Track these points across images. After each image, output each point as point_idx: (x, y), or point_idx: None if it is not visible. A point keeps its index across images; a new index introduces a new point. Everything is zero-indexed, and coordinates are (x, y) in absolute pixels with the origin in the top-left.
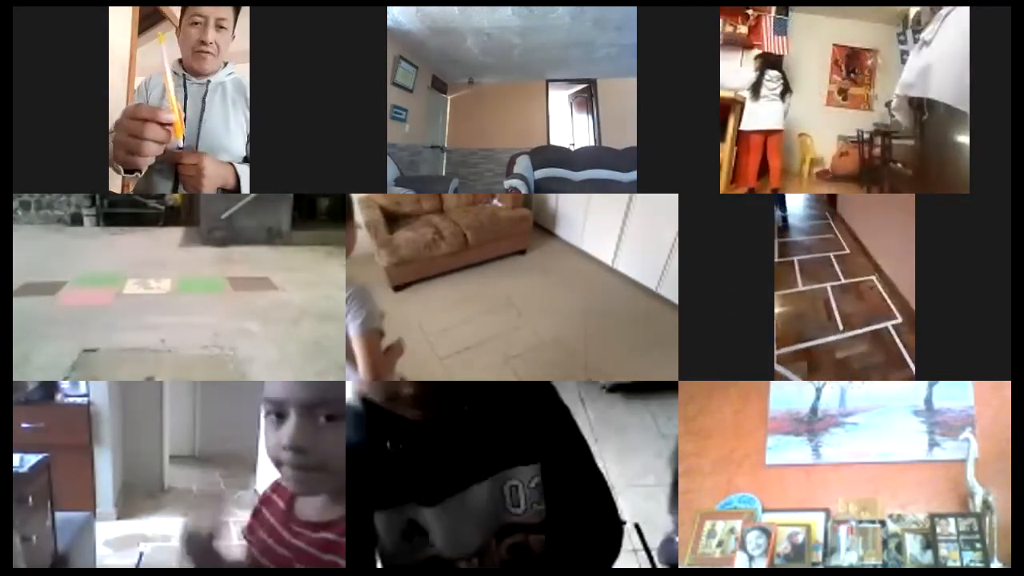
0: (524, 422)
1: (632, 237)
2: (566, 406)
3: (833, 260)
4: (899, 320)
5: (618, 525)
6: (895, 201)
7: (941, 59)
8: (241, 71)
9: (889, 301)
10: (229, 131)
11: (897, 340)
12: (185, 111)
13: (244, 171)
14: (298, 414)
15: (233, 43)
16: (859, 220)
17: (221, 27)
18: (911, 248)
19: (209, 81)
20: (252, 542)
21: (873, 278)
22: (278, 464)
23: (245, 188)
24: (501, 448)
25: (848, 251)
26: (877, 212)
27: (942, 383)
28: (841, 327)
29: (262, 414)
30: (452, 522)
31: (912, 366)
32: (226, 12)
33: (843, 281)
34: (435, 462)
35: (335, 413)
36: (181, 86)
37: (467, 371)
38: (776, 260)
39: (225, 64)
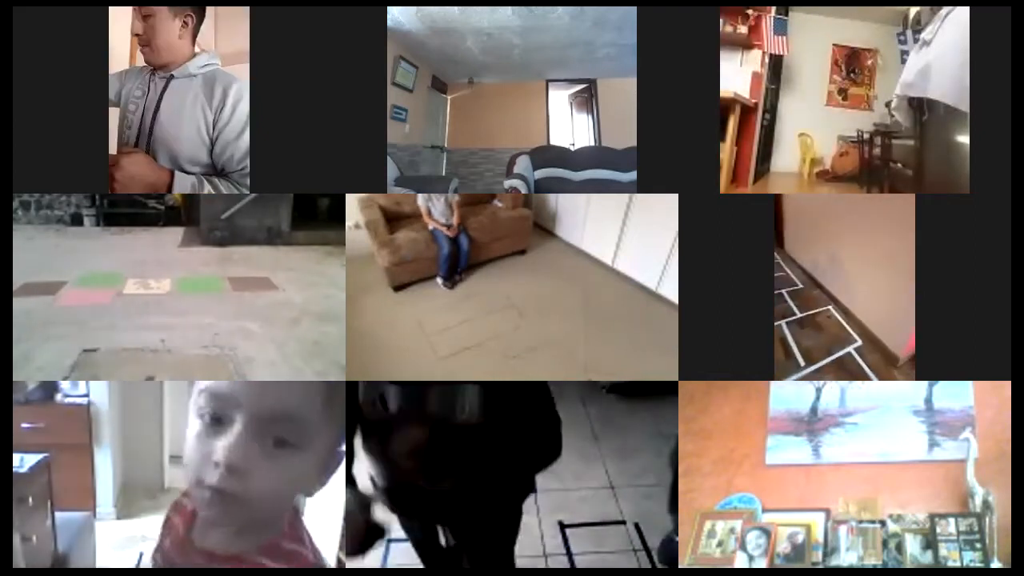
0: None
1: (632, 237)
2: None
3: (786, 296)
4: (859, 343)
5: (556, 422)
6: (840, 231)
7: (941, 59)
8: (241, 71)
9: (848, 327)
10: (178, 135)
11: (861, 362)
12: (143, 110)
13: (186, 181)
14: (245, 426)
15: (233, 43)
16: (806, 255)
17: (147, 16)
18: (863, 273)
19: (172, 76)
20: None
21: (829, 308)
22: (199, 481)
23: (176, 189)
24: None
25: (801, 286)
26: (822, 245)
27: (942, 383)
28: (803, 363)
29: (192, 411)
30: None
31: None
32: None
33: (799, 315)
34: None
35: (290, 439)
36: (147, 82)
37: (467, 371)
38: None
39: (197, 54)
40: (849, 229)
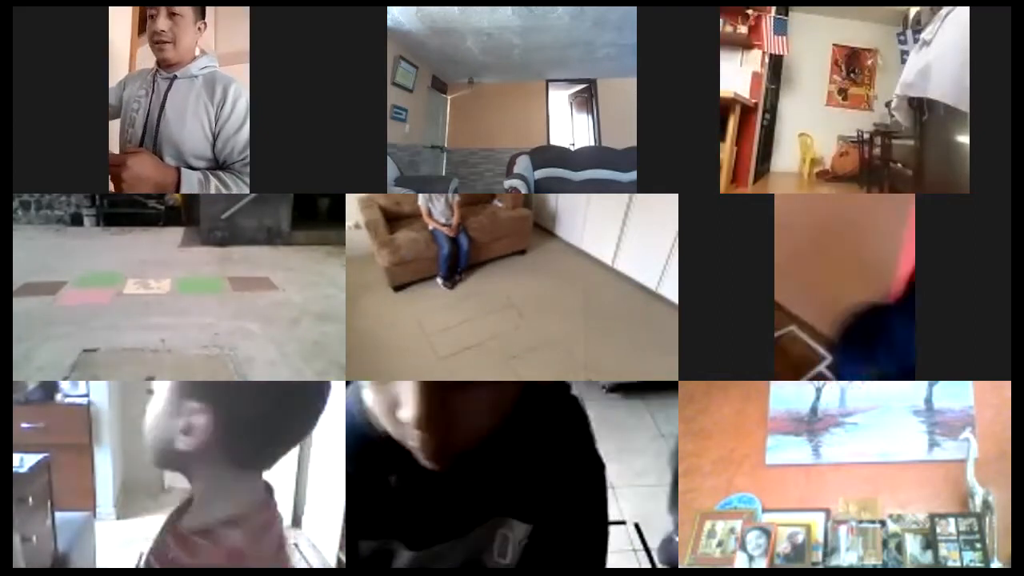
0: (543, 477)
1: (632, 237)
2: (601, 463)
3: None
4: (829, 359)
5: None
6: (799, 243)
7: (941, 59)
8: (240, 71)
9: (814, 344)
10: (183, 131)
11: (833, 378)
12: (149, 109)
13: (193, 177)
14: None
15: (233, 43)
16: None
17: (174, 14)
18: (821, 283)
19: (176, 76)
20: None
21: (792, 328)
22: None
23: (187, 189)
24: (505, 497)
25: None
26: (780, 262)
27: (942, 383)
28: None
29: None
30: (430, 563)
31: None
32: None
33: None
34: (434, 509)
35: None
36: (151, 82)
37: (467, 371)
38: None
39: (199, 56)
40: (804, 240)
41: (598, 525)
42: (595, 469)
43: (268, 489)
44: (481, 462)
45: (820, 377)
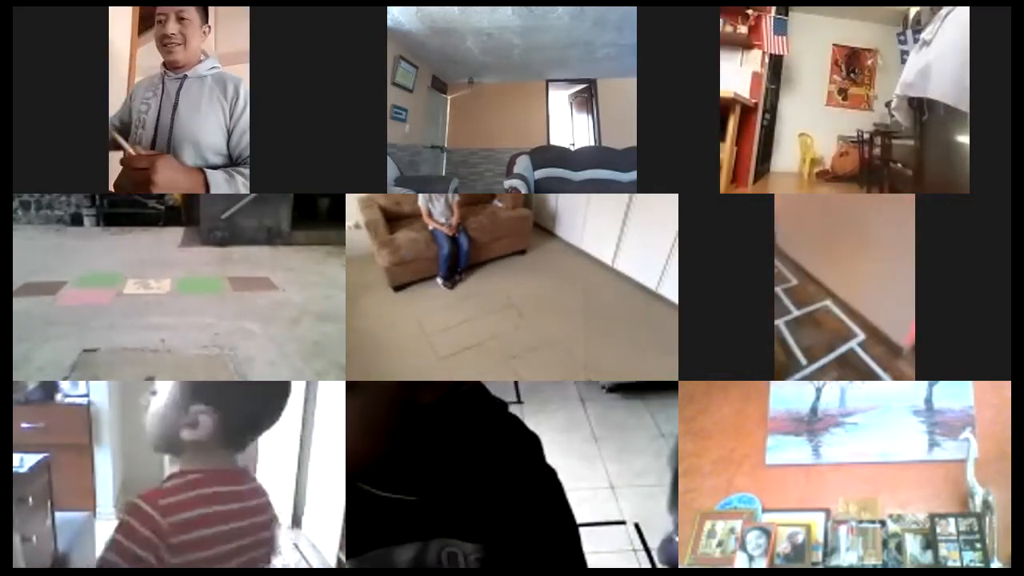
0: (483, 498)
1: (632, 237)
2: (551, 470)
3: (781, 294)
4: (862, 337)
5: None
6: (833, 224)
7: (941, 59)
8: (241, 71)
9: (848, 321)
10: (201, 126)
11: (865, 357)
12: (160, 109)
13: (218, 176)
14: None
15: (233, 43)
16: (802, 250)
17: (183, 18)
18: (860, 267)
19: (186, 76)
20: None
21: (827, 303)
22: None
23: (215, 189)
24: (441, 516)
25: (796, 282)
26: (819, 239)
27: (942, 383)
28: (805, 362)
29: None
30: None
31: (885, 377)
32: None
33: (796, 313)
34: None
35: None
36: (160, 84)
37: (467, 371)
38: None
39: (204, 58)
40: (843, 222)
41: (563, 535)
42: (545, 480)
43: (244, 468)
44: (392, 482)
45: (851, 354)
